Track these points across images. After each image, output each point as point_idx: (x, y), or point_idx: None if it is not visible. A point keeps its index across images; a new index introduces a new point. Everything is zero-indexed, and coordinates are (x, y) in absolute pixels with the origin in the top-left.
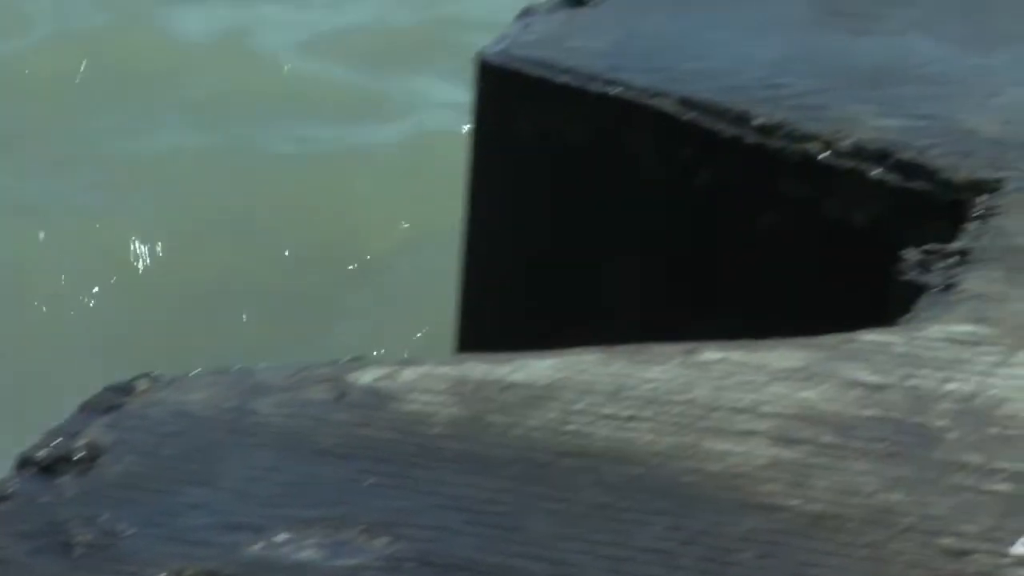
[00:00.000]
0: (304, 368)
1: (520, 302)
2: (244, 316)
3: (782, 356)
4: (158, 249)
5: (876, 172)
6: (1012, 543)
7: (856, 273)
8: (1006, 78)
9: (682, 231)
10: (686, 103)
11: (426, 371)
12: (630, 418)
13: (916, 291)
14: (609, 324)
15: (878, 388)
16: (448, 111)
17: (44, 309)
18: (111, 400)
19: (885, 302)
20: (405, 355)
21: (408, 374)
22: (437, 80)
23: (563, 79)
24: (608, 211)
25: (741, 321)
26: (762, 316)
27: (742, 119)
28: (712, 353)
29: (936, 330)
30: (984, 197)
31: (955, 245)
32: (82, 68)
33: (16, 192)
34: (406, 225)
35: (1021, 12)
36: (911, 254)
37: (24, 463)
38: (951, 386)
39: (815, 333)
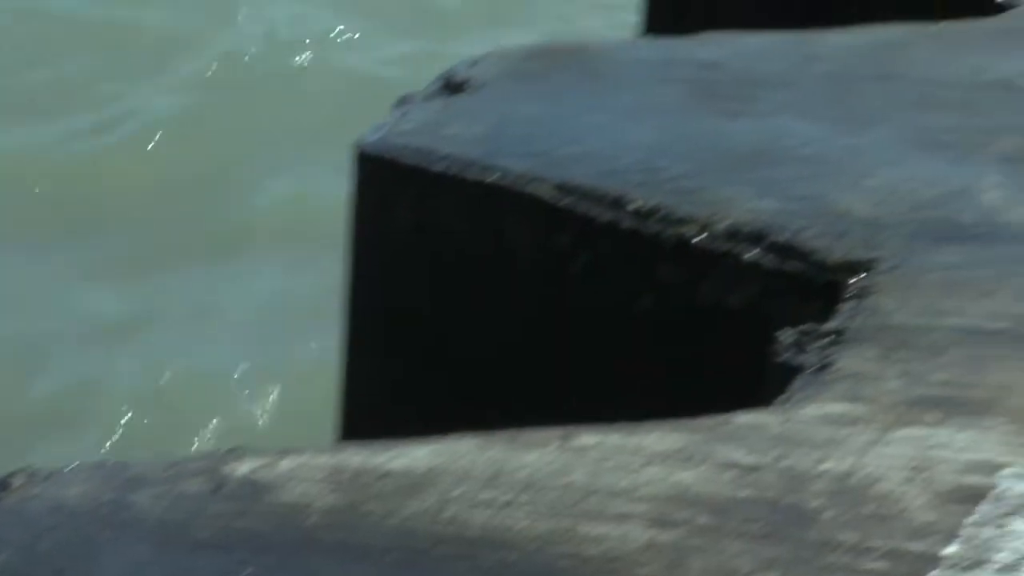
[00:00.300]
0: (180, 460)
1: (401, 389)
2: None
3: (659, 439)
4: None
5: (751, 254)
6: None
7: (733, 354)
8: (877, 159)
9: (560, 316)
10: (562, 188)
11: (304, 461)
12: (507, 503)
13: (791, 371)
14: (489, 409)
15: (753, 469)
16: None
17: None
18: None
19: (761, 383)
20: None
21: (286, 464)
22: None
23: (440, 166)
24: (487, 297)
25: (620, 404)
26: (640, 399)
27: (618, 203)
28: (589, 437)
29: (811, 410)
30: (858, 277)
31: (830, 325)
32: None
33: None
34: None
35: (891, 94)
36: (786, 335)
37: None
38: (826, 466)
39: (692, 415)
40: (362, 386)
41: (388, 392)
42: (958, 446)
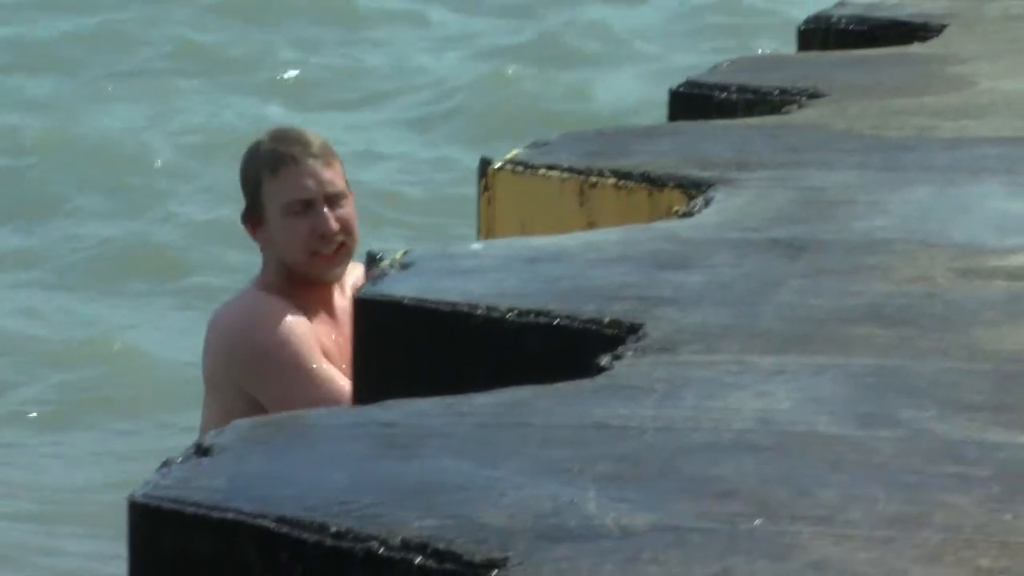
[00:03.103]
0: None
1: None
2: None
3: None
4: None
5: (419, 560)
6: None
7: None
8: (511, 484)
9: None
10: (280, 520)
11: None
12: None
13: None
14: None
15: None
16: None
17: None
18: None
19: None
20: None
21: None
22: None
23: (191, 510)
24: None
25: None
26: None
27: (321, 528)
28: None
29: None
30: (495, 571)
31: None
32: None
33: None
34: None
35: (522, 436)
36: None
37: None
38: None
39: None
40: None
41: None
42: None
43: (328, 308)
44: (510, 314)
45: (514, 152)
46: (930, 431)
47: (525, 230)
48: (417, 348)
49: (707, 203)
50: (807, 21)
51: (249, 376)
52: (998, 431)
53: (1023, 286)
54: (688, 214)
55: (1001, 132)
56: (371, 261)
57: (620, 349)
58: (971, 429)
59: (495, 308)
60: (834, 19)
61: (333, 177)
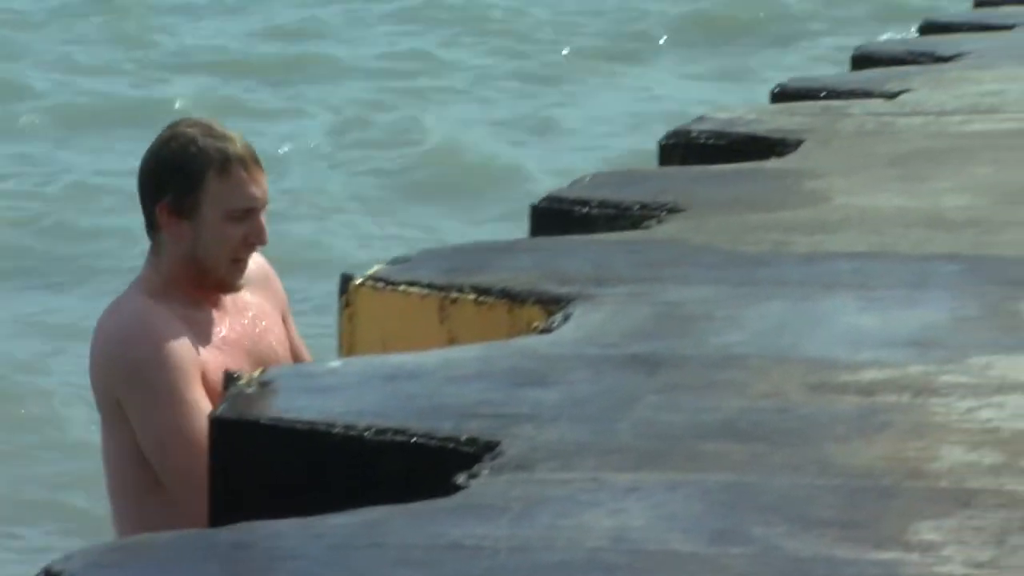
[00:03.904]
0: None
1: None
2: None
3: None
4: None
5: None
6: None
7: None
8: None
9: None
10: None
11: None
12: None
13: None
14: None
15: None
16: None
17: None
18: None
19: None
20: None
21: None
22: None
23: None
24: None
25: None
26: None
27: None
28: None
29: None
30: None
31: None
32: None
33: None
34: None
35: (379, 558)
36: None
37: None
38: None
39: None
40: None
41: None
42: None
43: (215, 302)
44: (367, 432)
45: (375, 268)
46: (780, 548)
47: (386, 347)
48: (274, 468)
49: (566, 319)
50: (667, 136)
51: (121, 390)
52: (847, 547)
53: (874, 401)
54: (547, 330)
55: (855, 247)
56: (228, 380)
57: (476, 467)
58: (820, 546)
59: (353, 426)
60: (693, 134)
61: (267, 186)
